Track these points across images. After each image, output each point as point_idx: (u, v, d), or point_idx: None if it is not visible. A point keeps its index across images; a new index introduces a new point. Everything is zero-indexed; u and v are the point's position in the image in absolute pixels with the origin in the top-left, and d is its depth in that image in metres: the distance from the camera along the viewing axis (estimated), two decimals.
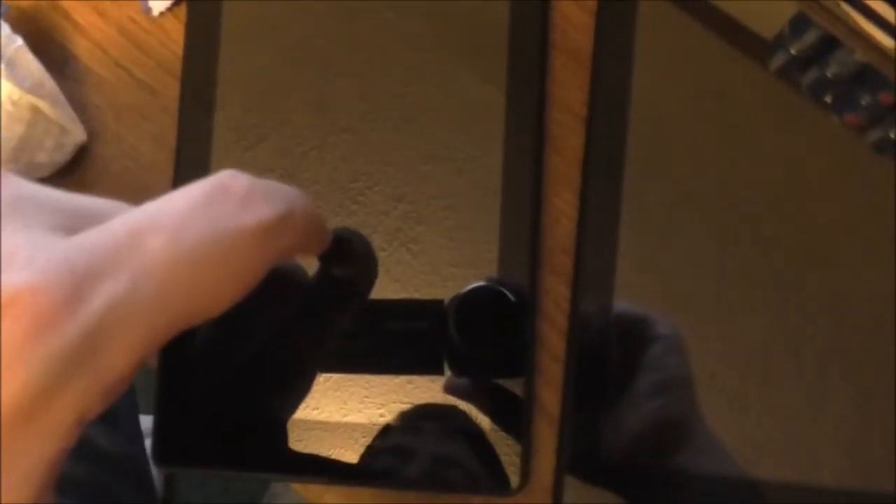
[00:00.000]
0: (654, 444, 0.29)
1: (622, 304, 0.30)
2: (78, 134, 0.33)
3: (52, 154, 0.33)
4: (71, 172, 0.34)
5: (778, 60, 0.31)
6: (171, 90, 0.33)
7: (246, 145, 0.33)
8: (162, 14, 0.33)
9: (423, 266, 0.32)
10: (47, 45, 0.34)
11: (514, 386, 0.30)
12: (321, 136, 0.32)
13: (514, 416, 0.30)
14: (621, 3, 0.32)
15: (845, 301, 0.30)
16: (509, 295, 0.30)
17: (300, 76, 0.33)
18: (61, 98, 0.33)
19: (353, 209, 0.32)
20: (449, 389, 0.30)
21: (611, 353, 0.29)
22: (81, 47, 0.34)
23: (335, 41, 0.33)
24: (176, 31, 0.34)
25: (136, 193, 0.32)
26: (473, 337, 0.30)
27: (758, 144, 0.31)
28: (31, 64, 0.32)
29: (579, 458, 0.30)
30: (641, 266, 0.31)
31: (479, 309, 0.30)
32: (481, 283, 0.31)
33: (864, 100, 0.30)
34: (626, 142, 0.31)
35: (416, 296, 0.32)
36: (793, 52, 0.31)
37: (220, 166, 0.32)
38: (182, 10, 0.34)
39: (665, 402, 0.29)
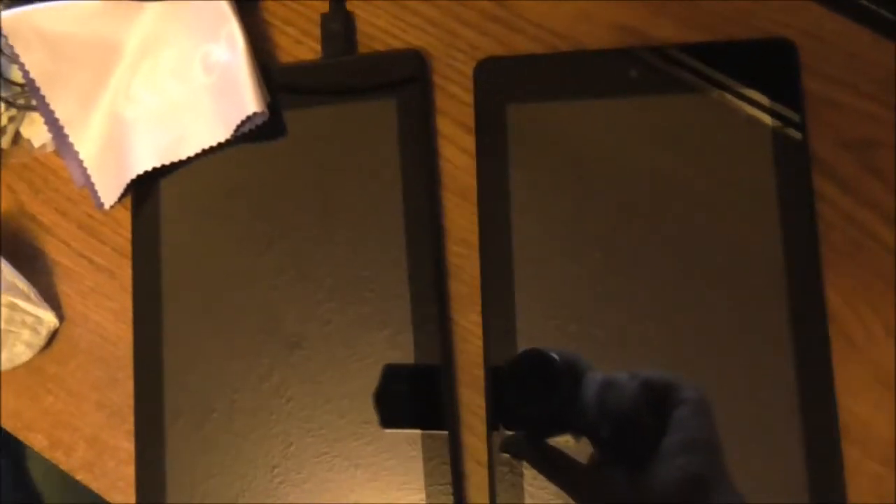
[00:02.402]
0: (681, 500, 0.30)
1: (648, 372, 0.31)
2: (50, 321, 0.38)
3: (29, 341, 0.38)
4: (48, 352, 0.39)
5: None
6: (127, 270, 0.38)
7: (194, 313, 0.37)
8: (112, 207, 0.39)
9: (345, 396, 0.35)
10: (18, 245, 0.39)
11: None
12: (265, 289, 0.37)
13: None
14: (491, 137, 0.36)
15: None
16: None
17: (236, 243, 0.38)
18: (34, 294, 0.38)
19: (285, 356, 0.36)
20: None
21: (638, 416, 0.31)
22: (48, 244, 0.40)
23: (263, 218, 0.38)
24: (126, 219, 0.39)
25: (103, 363, 0.38)
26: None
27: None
28: (5, 269, 0.37)
29: None
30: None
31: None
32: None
33: None
34: (512, 258, 0.35)
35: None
36: None
37: (172, 329, 0.37)
38: (129, 200, 0.39)
39: (690, 461, 0.30)
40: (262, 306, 0.36)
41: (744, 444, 0.33)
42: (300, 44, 0.39)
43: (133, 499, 0.37)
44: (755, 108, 0.35)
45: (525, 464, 0.34)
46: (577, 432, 0.32)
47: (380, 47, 0.39)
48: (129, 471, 0.37)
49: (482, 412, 0.35)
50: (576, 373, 0.31)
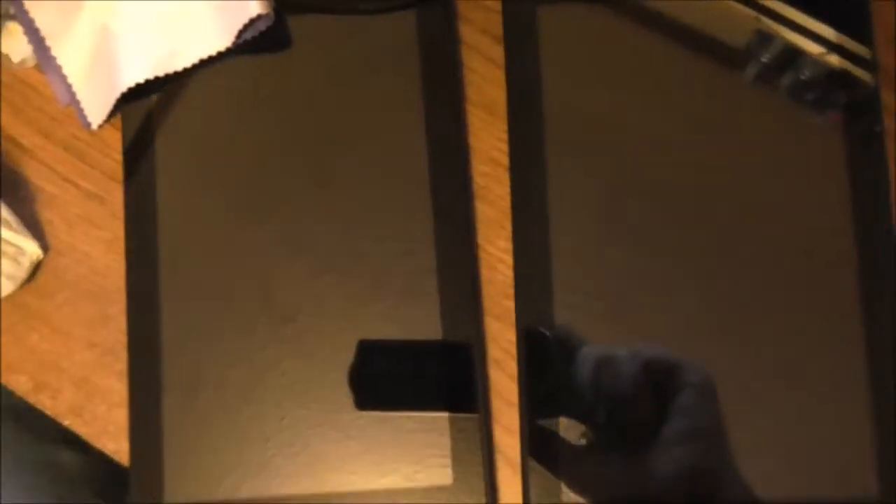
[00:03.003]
0: (683, 492, 0.29)
1: (652, 350, 0.30)
2: (33, 251, 0.35)
3: (10, 273, 0.34)
4: (32, 285, 0.35)
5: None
6: (118, 196, 0.35)
7: (192, 237, 0.34)
8: (101, 127, 0.35)
9: (369, 333, 0.32)
10: None
11: None
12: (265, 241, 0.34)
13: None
14: (525, 46, 0.33)
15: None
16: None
17: (238, 169, 0.34)
18: (15, 221, 0.34)
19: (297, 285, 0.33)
20: None
21: (638, 398, 0.29)
22: (31, 168, 0.36)
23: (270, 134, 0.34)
24: (116, 140, 0.35)
25: (93, 297, 0.34)
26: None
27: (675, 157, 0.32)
28: None
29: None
30: (577, 298, 0.31)
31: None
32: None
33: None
34: (546, 182, 0.32)
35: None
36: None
37: (168, 263, 0.34)
38: (119, 120, 0.35)
39: (692, 451, 0.29)
40: (257, 277, 0.34)
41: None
42: None
43: (125, 445, 0.33)
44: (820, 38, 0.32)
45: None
46: (571, 413, 0.30)
47: None
48: (122, 414, 0.34)
49: (513, 348, 0.32)
50: (570, 349, 0.30)
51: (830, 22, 0.32)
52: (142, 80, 0.34)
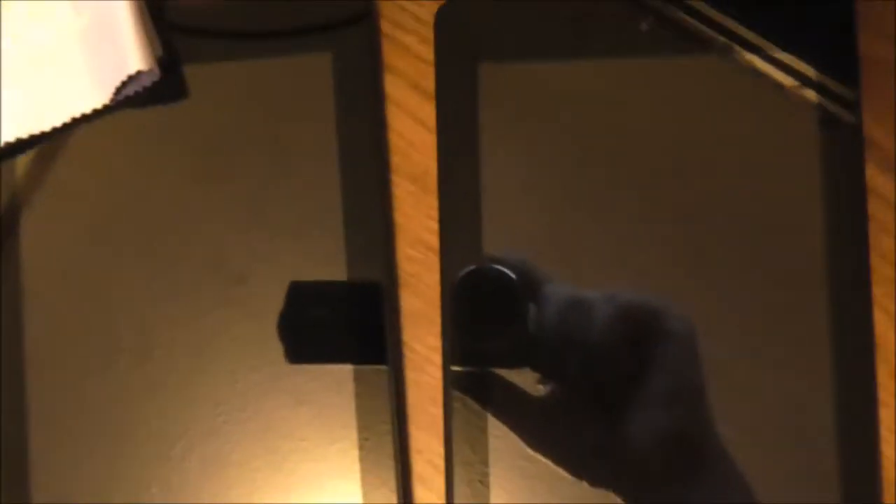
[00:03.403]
0: (660, 457, 0.28)
1: (629, 294, 0.28)
2: None
3: None
4: None
5: None
6: None
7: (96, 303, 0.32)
8: None
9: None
10: None
11: None
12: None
13: None
14: (457, 104, 0.29)
15: None
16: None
17: (135, 230, 0.32)
18: None
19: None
20: None
21: (612, 347, 0.28)
22: None
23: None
24: None
25: None
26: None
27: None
28: None
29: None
30: None
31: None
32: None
33: None
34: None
35: None
36: None
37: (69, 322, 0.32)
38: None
39: (673, 414, 0.27)
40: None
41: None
42: None
43: None
44: (795, 71, 0.29)
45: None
46: (536, 363, 0.28)
47: None
48: None
49: (440, 461, 0.29)
50: (534, 288, 0.28)
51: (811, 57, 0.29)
52: (12, 139, 0.30)
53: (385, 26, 0.30)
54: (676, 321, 0.28)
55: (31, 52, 0.29)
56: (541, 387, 0.28)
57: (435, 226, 0.29)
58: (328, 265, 0.30)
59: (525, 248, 0.29)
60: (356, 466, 0.30)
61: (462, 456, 0.29)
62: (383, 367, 0.30)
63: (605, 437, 0.28)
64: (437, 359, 0.29)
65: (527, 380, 0.29)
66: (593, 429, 0.28)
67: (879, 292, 0.28)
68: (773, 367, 0.28)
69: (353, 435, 0.30)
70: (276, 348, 0.31)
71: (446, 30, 0.29)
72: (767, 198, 0.29)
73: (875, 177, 0.29)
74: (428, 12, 0.30)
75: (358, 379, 0.30)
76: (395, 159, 0.30)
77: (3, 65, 0.30)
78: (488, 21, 0.29)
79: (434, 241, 0.29)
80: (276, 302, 0.31)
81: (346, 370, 0.31)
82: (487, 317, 0.28)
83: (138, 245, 0.32)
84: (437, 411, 0.29)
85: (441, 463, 0.29)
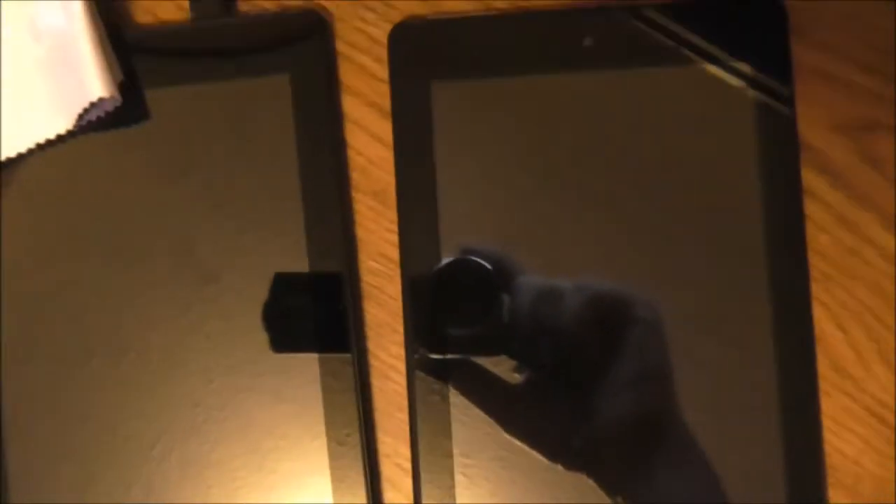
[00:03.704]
0: (629, 437, 0.28)
1: (600, 282, 0.29)
2: None
3: None
4: None
5: None
6: None
7: (70, 305, 0.32)
8: None
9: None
10: None
11: None
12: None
13: None
14: (412, 122, 0.30)
15: None
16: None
17: (107, 232, 0.32)
18: None
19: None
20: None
21: (583, 334, 0.28)
22: None
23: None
24: None
25: None
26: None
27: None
28: None
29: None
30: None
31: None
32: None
33: None
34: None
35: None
36: None
37: (43, 323, 0.32)
38: None
39: (643, 394, 0.28)
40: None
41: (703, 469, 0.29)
42: None
43: None
44: (733, 82, 0.30)
45: (452, 391, 0.29)
46: (510, 351, 0.29)
47: (268, 5, 0.31)
48: None
49: (407, 464, 0.30)
50: (508, 279, 0.29)
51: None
52: None
53: (340, 46, 0.31)
54: (644, 307, 0.28)
55: None
56: (516, 374, 0.29)
57: (395, 238, 0.30)
58: (293, 253, 0.30)
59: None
60: (330, 465, 0.30)
61: (428, 457, 0.29)
62: (349, 364, 0.30)
63: (578, 420, 0.28)
64: (401, 366, 0.30)
65: (502, 367, 0.29)
66: (567, 412, 0.28)
67: (818, 288, 0.30)
68: (727, 354, 0.29)
69: (331, 433, 0.30)
70: (252, 346, 0.31)
71: (400, 49, 0.30)
72: (712, 201, 0.30)
73: (811, 179, 0.30)
74: (382, 32, 0.30)
75: (327, 375, 0.30)
76: (355, 176, 0.31)
77: None
78: (440, 40, 0.30)
79: (395, 253, 0.30)
80: (249, 300, 0.31)
81: (323, 365, 0.30)
82: (464, 305, 0.29)
83: (110, 248, 0.32)
84: (404, 416, 0.30)
85: (409, 466, 0.30)
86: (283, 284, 0.30)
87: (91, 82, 0.28)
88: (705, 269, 0.30)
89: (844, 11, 0.30)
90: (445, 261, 0.29)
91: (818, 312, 0.29)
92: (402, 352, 0.30)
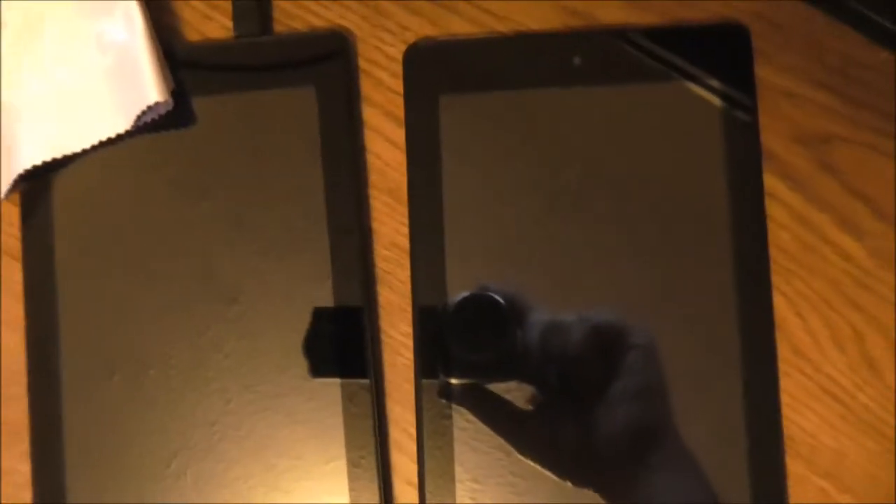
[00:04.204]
0: (628, 447, 0.30)
1: (598, 314, 0.31)
2: None
3: None
4: None
5: None
6: (17, 275, 0.34)
7: (93, 321, 0.34)
8: None
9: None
10: None
11: None
12: (157, 310, 0.34)
13: None
14: (423, 130, 0.33)
15: None
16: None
17: (136, 246, 0.34)
18: None
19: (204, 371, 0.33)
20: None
21: (586, 360, 0.30)
22: None
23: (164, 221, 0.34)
24: (15, 217, 0.35)
25: None
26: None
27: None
28: None
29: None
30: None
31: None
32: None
33: None
34: (445, 264, 0.33)
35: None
36: None
37: (68, 340, 0.33)
38: (17, 196, 0.35)
39: (639, 408, 0.30)
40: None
41: (687, 467, 0.32)
42: (209, 19, 0.35)
43: None
44: (704, 97, 0.33)
45: (455, 412, 0.32)
46: (521, 377, 0.31)
47: (299, 26, 0.35)
48: (26, 496, 0.34)
49: (412, 429, 0.33)
50: (521, 315, 0.31)
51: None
52: (39, 162, 0.33)
53: (361, 63, 0.34)
54: (639, 333, 0.31)
55: (58, 88, 0.33)
56: (525, 397, 0.31)
57: (406, 230, 0.33)
58: (315, 276, 0.32)
59: (482, 250, 0.33)
60: (348, 485, 0.31)
61: (433, 470, 0.32)
62: (367, 389, 0.31)
63: (584, 438, 0.30)
64: (409, 343, 0.33)
65: (514, 393, 0.31)
66: (574, 432, 0.30)
67: (779, 279, 0.33)
68: (696, 345, 0.32)
69: (346, 454, 0.32)
70: (270, 366, 0.32)
71: (413, 66, 0.33)
72: (684, 204, 0.33)
73: (773, 184, 0.33)
74: (398, 51, 0.34)
75: (347, 398, 0.32)
76: (373, 176, 0.34)
77: (32, 101, 0.33)
78: (448, 59, 0.33)
79: (405, 243, 0.33)
80: (268, 321, 0.32)
81: (342, 388, 0.32)
82: (480, 336, 0.31)
83: (133, 265, 0.33)
84: (410, 388, 0.33)
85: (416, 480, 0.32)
86: (312, 316, 0.32)
87: (148, 88, 0.32)
88: (679, 269, 0.32)
89: (803, 36, 0.34)
90: (462, 295, 0.32)
91: (778, 301, 0.33)
92: (409, 329, 0.33)
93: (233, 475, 0.32)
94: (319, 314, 0.32)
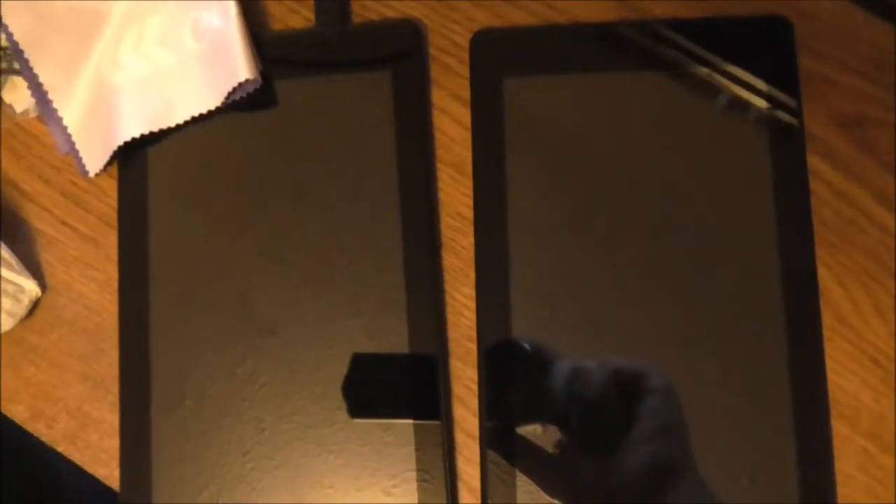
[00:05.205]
0: (648, 486, 0.31)
1: (617, 360, 0.32)
2: (32, 289, 0.37)
3: (10, 310, 0.37)
4: (30, 321, 0.38)
5: None
6: (113, 239, 0.38)
7: (183, 278, 0.37)
8: (97, 175, 0.38)
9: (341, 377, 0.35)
10: None
11: None
12: (248, 267, 0.36)
13: None
14: (490, 111, 0.36)
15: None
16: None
17: (225, 215, 0.37)
18: (16, 261, 0.37)
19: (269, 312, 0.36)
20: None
21: (607, 404, 0.32)
22: (31, 212, 0.39)
23: (257, 187, 0.37)
24: (111, 187, 0.38)
25: (87, 334, 0.37)
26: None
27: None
28: None
29: None
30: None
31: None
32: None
33: None
34: (507, 233, 0.35)
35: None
36: None
37: (158, 299, 0.36)
38: (115, 168, 0.38)
39: (659, 448, 0.31)
40: (238, 292, 0.36)
41: (733, 422, 0.33)
42: (294, 12, 0.39)
43: (116, 471, 0.36)
44: (750, 86, 0.35)
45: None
46: (547, 420, 0.32)
47: (374, 17, 0.38)
48: (113, 443, 0.36)
49: (474, 386, 0.35)
50: (545, 361, 0.32)
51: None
52: (137, 135, 0.36)
53: (432, 50, 0.37)
54: (657, 377, 0.32)
55: (158, 67, 0.37)
56: (555, 440, 0.32)
57: (469, 201, 0.36)
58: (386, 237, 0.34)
59: (539, 221, 0.35)
60: None
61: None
62: (436, 423, 0.32)
63: (608, 476, 0.31)
64: (472, 304, 0.35)
65: (543, 436, 0.33)
66: (598, 470, 0.32)
67: (822, 252, 0.35)
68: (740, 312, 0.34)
69: (379, 483, 0.32)
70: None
71: (479, 53, 0.36)
72: (730, 183, 0.35)
73: (815, 163, 0.35)
74: (465, 39, 0.37)
75: (384, 430, 0.33)
76: (440, 152, 0.37)
77: (131, 80, 0.37)
78: (510, 46, 0.36)
79: (469, 212, 0.36)
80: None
81: (372, 423, 0.33)
82: (513, 379, 0.33)
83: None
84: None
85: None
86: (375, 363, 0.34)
87: (240, 67, 0.35)
88: (725, 244, 0.35)
89: (839, 28, 0.36)
90: (496, 340, 0.33)
91: (822, 272, 0.35)
92: (471, 291, 0.35)
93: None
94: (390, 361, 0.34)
